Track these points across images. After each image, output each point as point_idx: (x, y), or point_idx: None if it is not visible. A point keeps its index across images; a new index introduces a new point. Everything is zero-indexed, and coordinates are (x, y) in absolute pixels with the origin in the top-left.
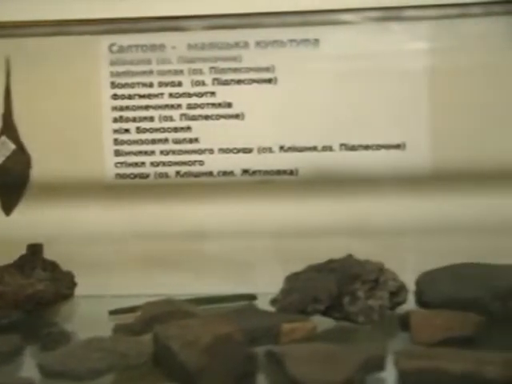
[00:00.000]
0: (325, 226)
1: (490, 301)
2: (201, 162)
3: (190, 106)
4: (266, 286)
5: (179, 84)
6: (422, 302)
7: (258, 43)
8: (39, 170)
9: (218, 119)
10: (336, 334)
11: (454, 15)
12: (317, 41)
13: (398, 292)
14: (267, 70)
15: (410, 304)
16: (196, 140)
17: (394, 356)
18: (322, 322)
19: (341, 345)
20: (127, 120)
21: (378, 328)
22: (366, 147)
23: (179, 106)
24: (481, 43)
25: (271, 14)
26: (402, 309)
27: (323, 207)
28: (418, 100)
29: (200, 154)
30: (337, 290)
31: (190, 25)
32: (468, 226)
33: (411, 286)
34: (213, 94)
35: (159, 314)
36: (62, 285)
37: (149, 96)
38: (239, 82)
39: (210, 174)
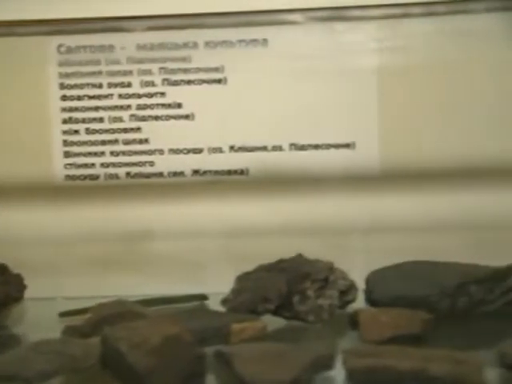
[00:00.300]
0: (275, 226)
1: (438, 298)
2: (151, 163)
3: (139, 107)
4: (218, 286)
5: (129, 85)
6: (371, 300)
7: (207, 43)
8: None
9: (167, 120)
10: (286, 334)
11: (399, 15)
12: (265, 41)
13: (348, 291)
14: (216, 70)
15: (359, 302)
16: (146, 141)
17: (342, 355)
18: (273, 322)
19: (290, 344)
20: (76, 121)
21: (327, 327)
22: (316, 147)
23: (129, 106)
24: (427, 42)
25: (220, 14)
26: (352, 307)
27: (273, 207)
28: (366, 99)
29: (150, 154)
30: (287, 289)
31: (138, 25)
32: (416, 224)
33: (361, 285)
34: (162, 94)
35: (109, 316)
36: (12, 288)
37: (98, 97)
38: (189, 82)
39: (161, 174)
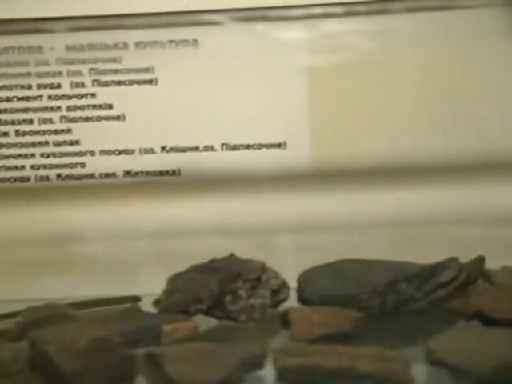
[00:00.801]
0: (207, 226)
1: (368, 296)
2: (82, 164)
3: (69, 108)
4: (150, 287)
5: (58, 86)
6: (303, 299)
7: (137, 44)
8: None
9: (98, 121)
10: (218, 334)
11: (320, 15)
12: (196, 41)
13: (280, 290)
14: (147, 70)
15: (292, 302)
16: (77, 142)
17: (272, 354)
18: (205, 322)
19: (222, 344)
20: (6, 123)
21: (260, 326)
22: (247, 146)
23: (59, 108)
24: (357, 42)
25: (150, 14)
26: (284, 307)
27: (206, 207)
28: (297, 99)
29: (81, 156)
30: (218, 289)
31: (66, 26)
32: (347, 222)
33: (293, 284)
34: (93, 95)
35: (39, 319)
36: None
37: (27, 98)
38: (119, 83)
39: (92, 176)
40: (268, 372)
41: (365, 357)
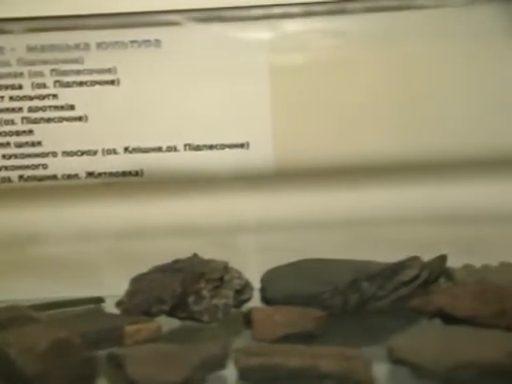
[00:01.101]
0: (170, 226)
1: (331, 295)
2: (44, 166)
3: (31, 109)
4: (114, 288)
5: (20, 87)
6: (266, 299)
7: (99, 45)
8: None
9: (60, 122)
10: (181, 334)
11: (280, 15)
12: (158, 41)
13: (243, 290)
14: (109, 71)
15: (255, 301)
16: (39, 143)
17: (234, 354)
18: (168, 323)
19: (184, 345)
20: None
21: (223, 326)
22: (211, 147)
23: (20, 109)
24: (321, 42)
25: (111, 15)
26: (248, 306)
27: (169, 207)
28: (260, 99)
29: (43, 157)
30: (181, 289)
31: (28, 26)
32: (310, 222)
33: (257, 284)
34: (55, 96)
35: (0, 321)
36: None
37: None
38: (81, 83)
39: (54, 177)
40: (230, 372)
41: (326, 356)
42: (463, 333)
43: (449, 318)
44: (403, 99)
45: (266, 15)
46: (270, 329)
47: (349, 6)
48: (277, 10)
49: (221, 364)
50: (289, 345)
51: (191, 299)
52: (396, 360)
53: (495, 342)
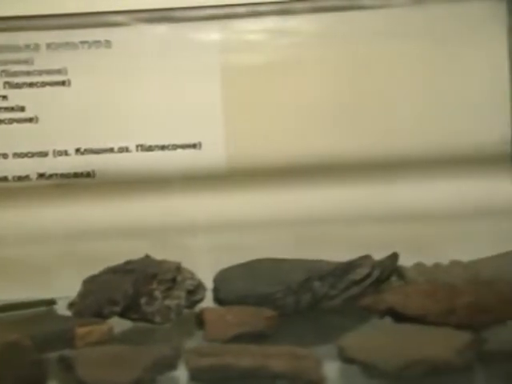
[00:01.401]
0: (123, 228)
1: (283, 295)
2: None
3: None
4: (66, 290)
5: None
6: (218, 299)
7: (49, 45)
8: None
9: (10, 123)
10: (133, 336)
11: (231, 15)
12: (108, 42)
13: (196, 290)
14: (60, 72)
15: (208, 302)
16: None
17: (185, 354)
18: (121, 324)
19: (135, 346)
20: None
21: (176, 327)
22: (163, 147)
23: None
24: (271, 42)
25: (61, 15)
26: (201, 307)
27: (121, 209)
28: (211, 99)
29: None
30: (133, 290)
31: None
32: (262, 221)
33: (210, 284)
34: (4, 97)
35: None
36: None
37: None
38: (31, 85)
39: (5, 179)
40: (181, 373)
41: (277, 356)
42: (414, 331)
43: (399, 317)
44: (352, 99)
45: (217, 15)
46: (222, 329)
47: (298, 5)
48: (227, 10)
49: (172, 365)
50: (240, 345)
51: (143, 300)
52: (346, 359)
53: (445, 340)
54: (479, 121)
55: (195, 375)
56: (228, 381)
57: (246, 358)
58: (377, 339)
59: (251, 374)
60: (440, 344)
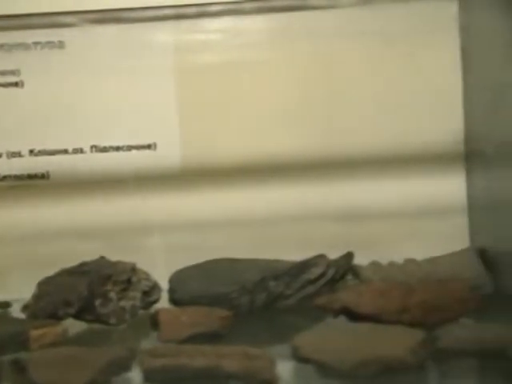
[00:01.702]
0: (77, 229)
1: (238, 295)
2: None
3: None
4: (21, 292)
5: None
6: (174, 300)
7: (1, 46)
8: None
9: None
10: (88, 337)
11: (195, 14)
12: (62, 43)
13: (151, 291)
14: (13, 73)
15: (164, 303)
16: None
17: (139, 355)
18: (76, 326)
19: (90, 347)
20: None
21: (131, 328)
22: (117, 148)
23: None
24: (225, 42)
25: (14, 16)
26: (157, 308)
27: (75, 210)
28: (166, 100)
29: None
30: (87, 292)
31: None
32: (218, 222)
33: (166, 285)
34: None
35: None
36: None
37: None
38: None
39: None
40: (136, 374)
41: (230, 356)
42: (368, 330)
43: (354, 316)
44: (305, 99)
45: (170, 16)
46: (177, 330)
47: (247, 5)
48: (180, 11)
49: (126, 366)
50: (194, 345)
51: (98, 302)
52: (301, 358)
53: (399, 338)
54: (432, 120)
55: (149, 376)
56: (182, 381)
57: (200, 358)
58: (331, 338)
59: (205, 374)
60: (393, 343)
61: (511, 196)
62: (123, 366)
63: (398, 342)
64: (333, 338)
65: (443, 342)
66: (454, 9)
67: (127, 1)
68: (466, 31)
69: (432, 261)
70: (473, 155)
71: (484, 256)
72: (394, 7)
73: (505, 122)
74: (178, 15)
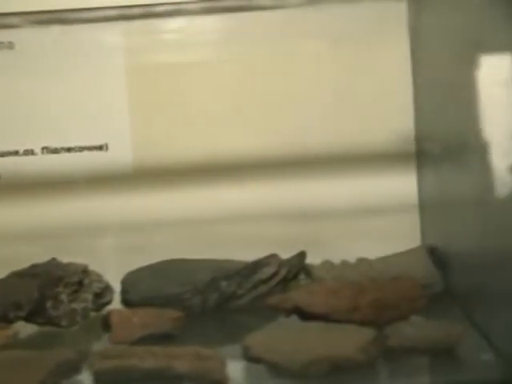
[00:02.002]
0: (29, 231)
1: (190, 295)
2: None
3: None
4: None
5: None
6: (126, 301)
7: None
8: None
9: None
10: (39, 340)
11: (139, 15)
12: (11, 43)
13: (103, 293)
14: None
15: (116, 304)
16: None
17: (90, 357)
18: (27, 328)
19: (40, 350)
20: None
21: (83, 330)
22: (69, 149)
23: None
24: (175, 42)
25: None
26: (109, 309)
27: (26, 212)
28: (118, 101)
29: None
30: (38, 294)
31: None
32: (171, 221)
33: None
34: None
35: None
36: None
37: None
38: None
39: None
40: (86, 376)
41: (181, 356)
42: (319, 329)
43: (305, 315)
44: (256, 99)
45: (121, 16)
46: (128, 331)
47: (191, 6)
48: (130, 11)
49: (76, 368)
50: (145, 346)
51: (49, 304)
52: (251, 358)
53: (349, 337)
54: (383, 120)
55: (99, 378)
56: (132, 383)
57: (151, 359)
58: (282, 338)
59: (156, 376)
60: (344, 342)
61: (460, 195)
62: (73, 368)
63: (348, 341)
64: (284, 338)
65: (393, 340)
66: (402, 9)
67: (72, 2)
68: (415, 31)
69: (384, 260)
70: (423, 154)
71: (435, 254)
72: (343, 8)
73: (453, 121)
74: (124, 16)
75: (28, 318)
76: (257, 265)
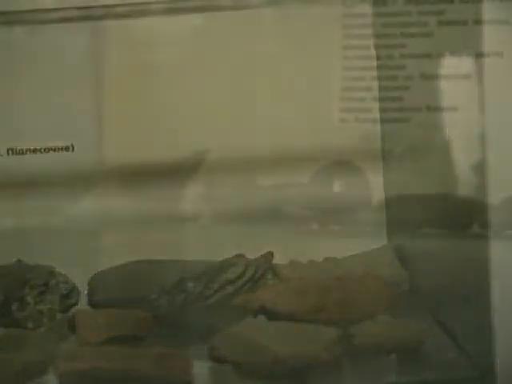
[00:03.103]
0: None
1: (157, 296)
2: None
3: None
4: None
5: None
6: (93, 302)
7: None
8: None
9: None
10: (5, 342)
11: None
12: None
13: (70, 294)
14: None
15: (83, 305)
16: None
17: (55, 359)
18: None
19: (5, 352)
20: None
21: (50, 332)
22: (35, 151)
23: None
24: (145, 41)
25: None
26: (75, 310)
27: None
28: (84, 101)
29: None
30: (3, 296)
31: None
32: (138, 221)
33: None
34: None
35: None
36: None
37: None
38: None
39: None
40: (51, 378)
41: (147, 357)
42: (284, 328)
43: (272, 315)
44: (219, 98)
45: (89, 16)
46: (94, 332)
47: (153, 7)
48: (100, 11)
49: (41, 371)
50: (111, 348)
51: (15, 306)
52: (217, 358)
53: (314, 336)
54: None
55: (65, 380)
56: None
57: (116, 360)
58: (248, 338)
59: (121, 377)
60: (309, 340)
61: (424, 193)
62: (38, 370)
63: (313, 340)
64: (250, 338)
65: (359, 338)
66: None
67: (36, 2)
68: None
69: (350, 259)
70: (389, 154)
71: (401, 253)
72: (304, 8)
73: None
74: (84, 16)
75: None
76: (224, 265)
